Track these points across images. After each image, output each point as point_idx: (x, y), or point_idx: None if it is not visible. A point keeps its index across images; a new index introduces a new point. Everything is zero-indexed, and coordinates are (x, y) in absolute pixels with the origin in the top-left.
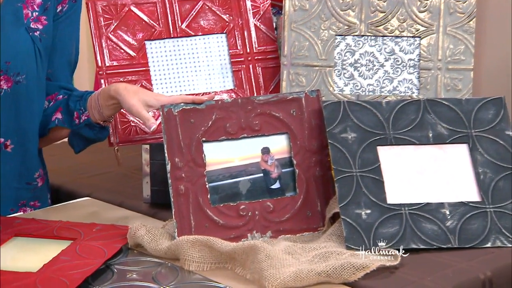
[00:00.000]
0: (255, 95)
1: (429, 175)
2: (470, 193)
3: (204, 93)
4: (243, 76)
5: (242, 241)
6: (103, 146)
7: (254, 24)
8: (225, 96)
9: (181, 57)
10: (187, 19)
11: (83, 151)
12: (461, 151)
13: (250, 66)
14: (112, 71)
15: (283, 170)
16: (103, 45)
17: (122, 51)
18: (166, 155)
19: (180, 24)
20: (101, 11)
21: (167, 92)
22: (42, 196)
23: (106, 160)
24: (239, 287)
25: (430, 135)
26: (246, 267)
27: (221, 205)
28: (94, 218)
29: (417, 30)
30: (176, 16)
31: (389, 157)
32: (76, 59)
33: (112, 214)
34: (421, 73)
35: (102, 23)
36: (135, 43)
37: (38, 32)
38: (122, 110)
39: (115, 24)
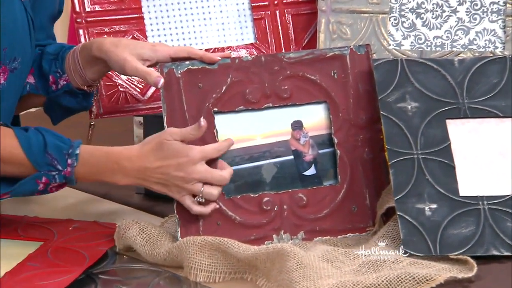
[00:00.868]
0: (283, 51)
1: None
2: None
3: (216, 48)
4: (267, 26)
5: (266, 244)
6: (85, 118)
7: None
8: (243, 53)
9: (186, 0)
10: None
11: (62, 122)
12: None
13: (277, 12)
14: (94, 19)
15: (320, 151)
16: None
17: None
18: None
19: None
20: None
21: None
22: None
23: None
24: None
25: None
26: (271, 278)
27: (238, 196)
28: (71, 212)
29: None
30: None
31: (463, 134)
32: (60, 9)
33: (95, 208)
34: (507, 22)
35: None
36: None
37: None
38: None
39: None
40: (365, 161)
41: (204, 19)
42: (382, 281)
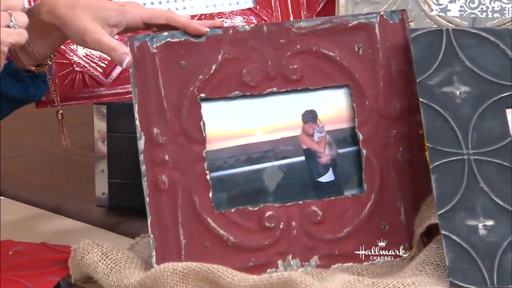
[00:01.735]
0: (291, 18)
1: None
2: None
3: (202, 15)
4: None
5: (269, 273)
6: (30, 109)
7: None
8: (239, 21)
9: None
10: None
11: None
12: None
13: None
14: None
15: (341, 151)
16: None
17: None
18: (137, 122)
19: None
20: None
21: None
22: None
23: (33, 133)
24: None
25: None
26: None
27: (233, 210)
28: (12, 232)
29: None
30: None
31: None
32: None
33: (43, 226)
34: None
35: None
36: None
37: None
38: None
39: None
40: (399, 164)
41: None
42: None
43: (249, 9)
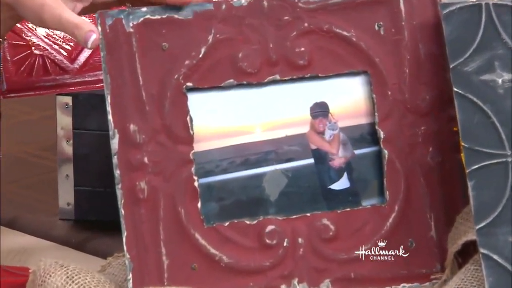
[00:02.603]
0: None
1: None
2: None
3: None
4: None
5: None
6: None
7: None
8: None
9: None
10: None
11: None
12: None
13: None
14: None
15: (357, 152)
16: None
17: None
18: (109, 117)
19: None
20: None
21: None
22: None
23: None
24: None
25: None
26: None
27: (226, 223)
28: None
29: None
30: None
31: None
32: None
33: None
34: None
35: None
36: None
37: None
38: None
39: None
40: (428, 168)
41: None
42: None
43: None
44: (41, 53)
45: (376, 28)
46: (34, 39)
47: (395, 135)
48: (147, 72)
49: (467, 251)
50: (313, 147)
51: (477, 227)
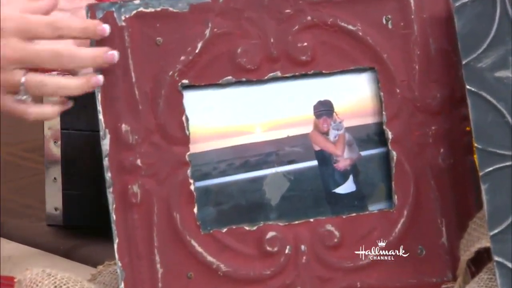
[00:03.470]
0: None
1: None
2: None
3: None
4: None
5: None
6: None
7: None
8: None
9: None
10: None
11: None
12: None
13: None
14: None
15: (364, 153)
16: None
17: None
18: (100, 117)
19: None
20: None
21: None
22: None
23: None
24: None
25: None
26: None
27: (224, 229)
28: None
29: None
30: None
31: None
32: None
33: None
34: None
35: None
36: None
37: None
38: None
39: None
40: (439, 170)
41: None
42: None
43: None
44: None
45: (384, 21)
46: None
47: (404, 135)
48: (140, 69)
49: (481, 259)
50: (317, 148)
51: (491, 233)
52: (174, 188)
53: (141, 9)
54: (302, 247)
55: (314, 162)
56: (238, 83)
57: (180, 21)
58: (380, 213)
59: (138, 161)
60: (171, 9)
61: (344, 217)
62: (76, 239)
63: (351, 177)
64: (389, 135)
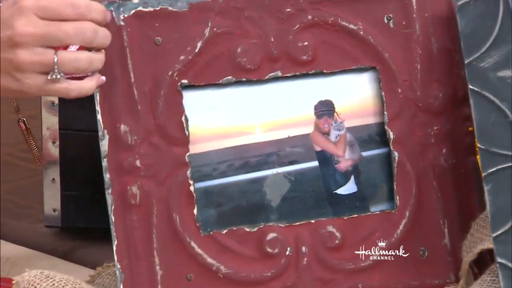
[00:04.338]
0: None
1: None
2: None
3: None
4: None
5: None
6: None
7: None
8: None
9: None
10: None
11: None
12: None
13: None
14: None
15: (365, 154)
16: None
17: None
18: (99, 117)
19: None
20: None
21: None
22: None
23: None
24: None
25: None
26: None
27: (224, 231)
28: None
29: None
30: None
31: None
32: None
33: None
34: None
35: None
36: None
37: None
38: None
39: None
40: (441, 171)
41: None
42: None
43: None
44: None
45: (385, 20)
46: None
47: (406, 135)
48: (139, 69)
49: (483, 261)
50: (318, 148)
51: (494, 234)
52: (173, 189)
53: (140, 8)
54: (303, 248)
55: (315, 163)
56: (238, 83)
57: (180, 20)
58: (381, 214)
59: (137, 162)
60: (170, 8)
61: (345, 218)
62: (74, 241)
63: (352, 178)
64: (391, 135)
